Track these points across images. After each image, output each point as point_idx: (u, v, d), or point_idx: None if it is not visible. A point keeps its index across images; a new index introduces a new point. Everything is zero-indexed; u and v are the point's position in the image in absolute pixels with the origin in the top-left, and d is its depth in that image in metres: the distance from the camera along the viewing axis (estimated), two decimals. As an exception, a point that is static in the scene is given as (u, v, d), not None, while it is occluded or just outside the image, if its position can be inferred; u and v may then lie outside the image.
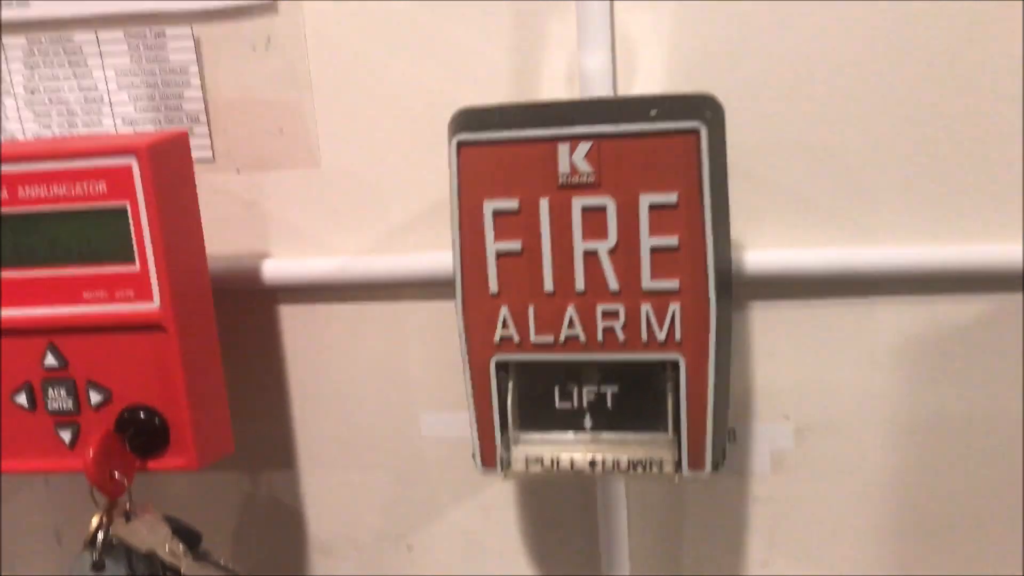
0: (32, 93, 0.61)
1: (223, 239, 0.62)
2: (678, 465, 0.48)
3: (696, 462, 0.48)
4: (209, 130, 0.60)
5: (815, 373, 0.58)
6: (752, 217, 0.56)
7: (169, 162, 0.51)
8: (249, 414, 0.64)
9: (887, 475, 0.59)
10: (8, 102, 0.62)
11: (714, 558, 0.62)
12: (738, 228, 0.55)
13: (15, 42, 0.61)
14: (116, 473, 0.50)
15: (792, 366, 0.58)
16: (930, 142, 0.53)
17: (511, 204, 0.46)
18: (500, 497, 0.64)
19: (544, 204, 0.45)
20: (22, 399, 0.53)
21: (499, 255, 0.46)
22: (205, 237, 0.54)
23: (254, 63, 0.59)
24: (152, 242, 0.50)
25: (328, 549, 0.67)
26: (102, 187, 0.50)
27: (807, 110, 0.54)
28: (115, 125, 0.61)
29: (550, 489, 0.63)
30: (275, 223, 0.62)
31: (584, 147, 0.44)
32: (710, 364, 0.46)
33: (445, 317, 0.61)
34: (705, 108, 0.44)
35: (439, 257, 0.58)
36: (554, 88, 0.56)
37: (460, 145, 0.45)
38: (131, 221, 0.50)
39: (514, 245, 0.46)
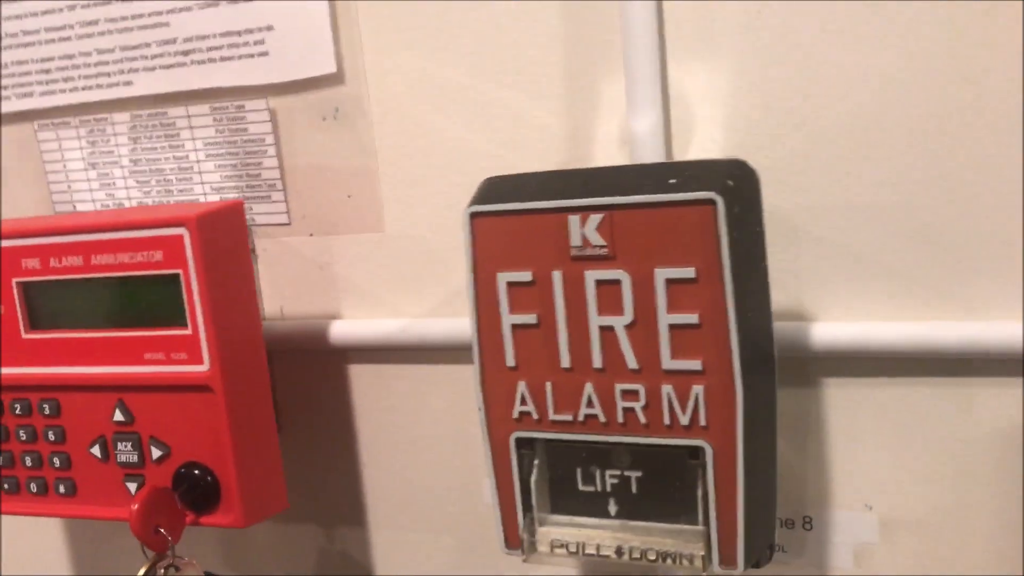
0: (135, 164, 0.66)
1: (298, 300, 0.64)
2: (708, 560, 0.44)
3: (728, 559, 0.44)
4: (285, 196, 0.63)
5: (901, 460, 0.52)
6: (824, 286, 0.51)
7: (220, 231, 0.53)
8: (322, 469, 0.65)
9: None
10: (117, 172, 0.67)
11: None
12: (808, 298, 0.51)
13: (121, 118, 0.66)
14: (162, 529, 0.52)
15: (876, 450, 0.52)
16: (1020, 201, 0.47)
17: (525, 276, 0.44)
18: (562, 571, 0.61)
19: (557, 277, 0.43)
20: (96, 450, 0.57)
21: (515, 328, 0.45)
22: (280, 298, 0.56)
23: (324, 132, 0.61)
24: (202, 307, 0.52)
25: (395, 615, 0.67)
26: (159, 256, 0.53)
27: (880, 170, 0.49)
28: (204, 192, 0.65)
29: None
30: (344, 285, 0.63)
31: (595, 219, 0.42)
32: (738, 452, 0.42)
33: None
34: (727, 176, 0.40)
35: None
36: (608, 152, 0.54)
37: (473, 216, 0.44)
38: (183, 287, 0.52)
39: (530, 318, 0.44)
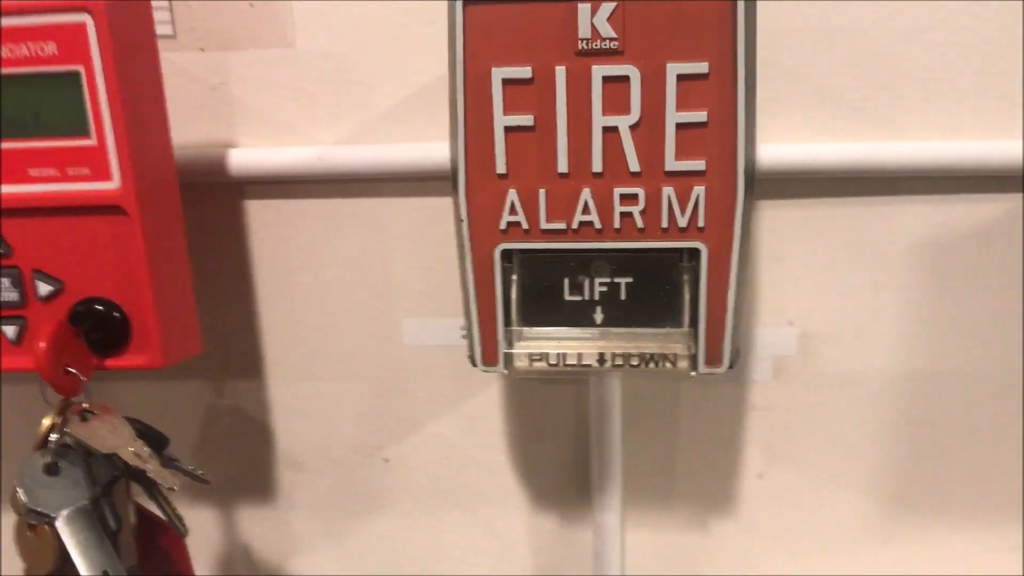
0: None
1: (184, 125, 0.56)
2: (694, 361, 0.45)
3: (714, 358, 0.45)
4: (170, 2, 0.54)
5: (824, 277, 0.55)
6: (764, 109, 0.53)
7: (129, 21, 0.45)
8: (212, 317, 0.59)
9: (891, 384, 0.57)
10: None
11: (709, 467, 0.60)
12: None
13: None
14: (71, 369, 0.45)
15: (801, 270, 0.55)
16: (952, 44, 0.50)
17: (523, 72, 0.41)
18: (485, 407, 0.60)
19: (560, 73, 0.41)
20: (-39, 291, 0.48)
21: (508, 131, 0.42)
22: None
23: (223, -71, 0.53)
24: (111, 112, 0.44)
25: (300, 464, 0.63)
26: (52, 48, 0.44)
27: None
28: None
29: (539, 398, 0.60)
30: (243, 109, 0.56)
31: (608, 8, 0.40)
32: (734, 253, 0.43)
33: (431, 215, 0.56)
34: (741, -30, 0.39)
35: (427, 148, 0.54)
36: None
37: (468, 3, 0.40)
38: (85, 87, 0.44)
39: (526, 119, 0.42)
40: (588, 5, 0.40)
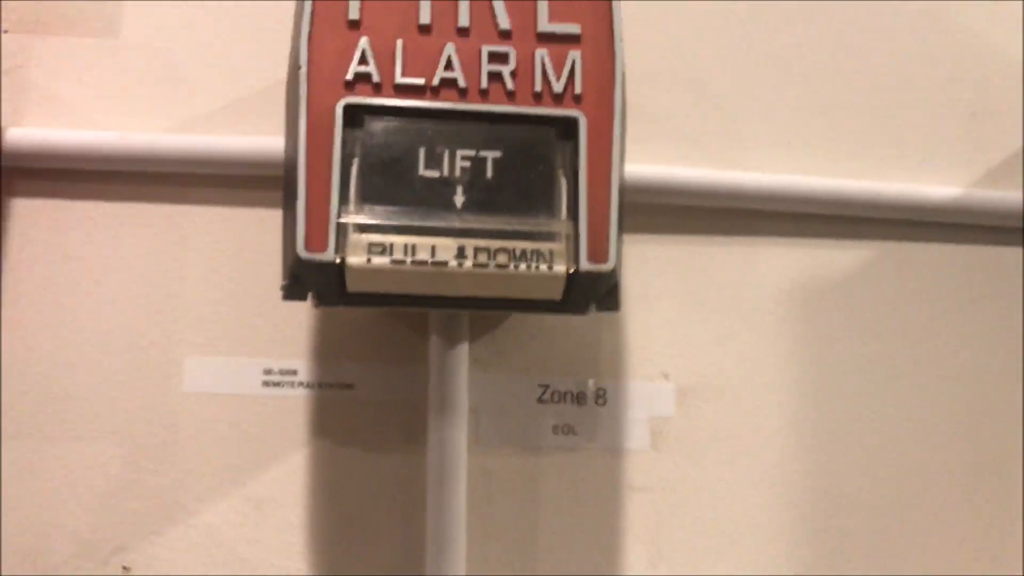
0: None
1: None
2: (574, 257, 0.36)
3: (598, 254, 0.36)
4: (-17, -15, 0.49)
5: (696, 323, 0.49)
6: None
7: None
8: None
9: (781, 444, 0.48)
10: None
11: (582, 566, 0.45)
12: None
13: None
14: None
15: (670, 313, 0.49)
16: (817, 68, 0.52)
17: (389, -80, 0.38)
18: (279, 486, 0.45)
19: (428, -81, 0.38)
20: None
21: (367, -21, 0.38)
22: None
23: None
24: None
25: (-11, 572, 0.43)
26: None
27: (677, 39, 0.52)
28: None
29: (357, 473, 0.45)
30: (40, 99, 0.48)
31: None
32: (615, 125, 0.37)
33: (238, 230, 0.48)
34: None
35: (246, 142, 0.47)
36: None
37: None
38: None
39: (386, -32, 0.38)
40: None
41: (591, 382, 0.47)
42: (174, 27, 0.50)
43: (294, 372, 0.46)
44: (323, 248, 0.35)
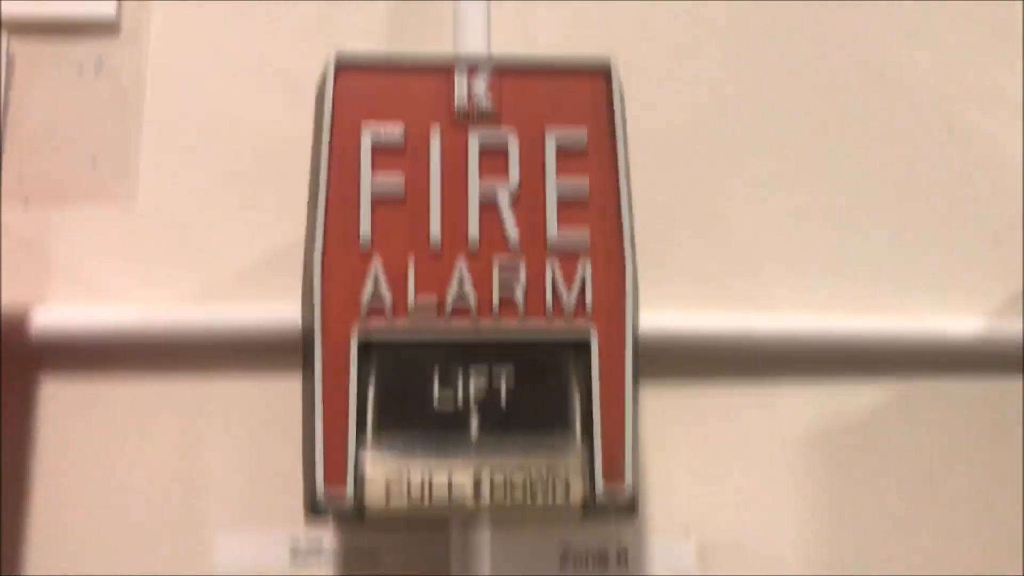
0: None
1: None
2: (591, 483, 0.36)
3: (614, 476, 0.37)
4: (-1, 154, 0.50)
5: (714, 473, 0.49)
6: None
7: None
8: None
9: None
10: None
11: None
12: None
13: None
14: None
15: (688, 463, 0.49)
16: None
17: (395, 133, 0.38)
18: None
19: (435, 137, 0.38)
20: None
21: (376, 197, 0.38)
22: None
23: (77, 87, 0.51)
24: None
25: None
26: None
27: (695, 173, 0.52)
28: None
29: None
30: (62, 270, 0.49)
31: (484, 75, 0.39)
32: (628, 335, 0.37)
33: (264, 400, 0.48)
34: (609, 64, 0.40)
35: (267, 311, 0.48)
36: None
37: (341, 69, 0.39)
38: None
39: (395, 184, 0.38)
40: (465, 72, 0.39)
41: (613, 541, 0.48)
42: (188, 194, 0.50)
43: (319, 540, 0.47)
44: (342, 486, 0.36)
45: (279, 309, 0.47)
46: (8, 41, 0.50)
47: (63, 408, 0.48)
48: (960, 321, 0.50)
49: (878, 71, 0.53)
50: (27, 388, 0.47)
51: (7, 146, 0.50)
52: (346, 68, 0.39)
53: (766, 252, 0.51)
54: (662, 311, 0.49)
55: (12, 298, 0.48)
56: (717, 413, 0.50)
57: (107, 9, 0.51)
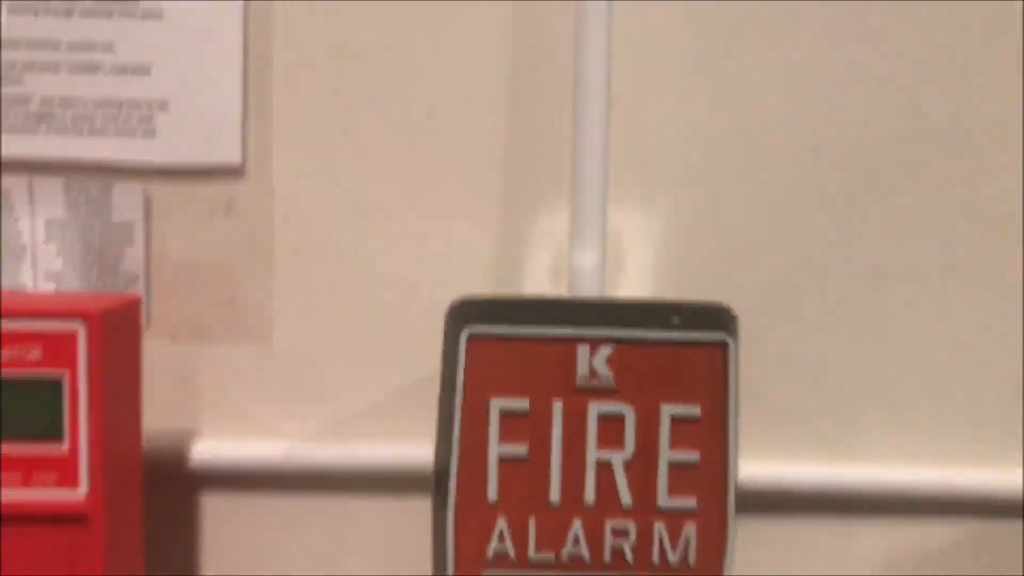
0: (-60, 235, 0.54)
1: (146, 415, 0.54)
2: None
3: None
4: (148, 294, 0.54)
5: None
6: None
7: (119, 331, 0.44)
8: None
9: None
10: (-92, 243, 0.54)
11: None
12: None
13: (-70, 176, 0.54)
14: None
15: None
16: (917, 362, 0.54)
17: (521, 404, 0.42)
18: None
19: (558, 407, 0.42)
20: None
21: (503, 459, 0.42)
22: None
23: (209, 228, 0.54)
24: (89, 420, 0.43)
25: None
26: (36, 354, 0.43)
27: (794, 325, 0.54)
28: (33, 279, 0.54)
29: None
30: (209, 403, 0.55)
31: (606, 350, 0.42)
32: (723, 587, 0.43)
33: (397, 518, 0.55)
34: (729, 320, 0.42)
35: (396, 449, 0.53)
36: (537, 283, 0.54)
37: (472, 339, 0.42)
38: (66, 394, 0.43)
39: (520, 449, 0.42)
40: (587, 346, 0.42)
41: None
42: (321, 332, 0.54)
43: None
44: None
45: (409, 447, 0.53)
46: (146, 185, 0.53)
47: (223, 520, 0.55)
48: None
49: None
50: (189, 505, 0.55)
51: (154, 288, 0.54)
52: (476, 339, 0.42)
53: (867, 400, 0.54)
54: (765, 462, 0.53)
55: (164, 425, 0.54)
56: (801, 543, 0.55)
57: (232, 155, 0.53)
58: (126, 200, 0.54)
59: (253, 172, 0.54)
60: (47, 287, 0.54)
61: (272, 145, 0.54)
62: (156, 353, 0.54)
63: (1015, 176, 0.53)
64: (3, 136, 0.53)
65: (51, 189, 0.54)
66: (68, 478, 0.43)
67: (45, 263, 0.54)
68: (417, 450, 0.52)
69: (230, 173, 0.54)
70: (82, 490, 0.43)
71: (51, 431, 0.43)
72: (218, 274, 0.54)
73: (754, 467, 0.53)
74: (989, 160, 0.53)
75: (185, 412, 0.55)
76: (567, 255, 0.52)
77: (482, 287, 0.54)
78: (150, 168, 0.53)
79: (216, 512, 0.55)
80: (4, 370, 0.42)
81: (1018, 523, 0.55)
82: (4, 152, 0.53)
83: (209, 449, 0.54)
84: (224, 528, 0.55)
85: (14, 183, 0.54)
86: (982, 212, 0.54)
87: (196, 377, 0.55)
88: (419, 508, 0.50)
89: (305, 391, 0.55)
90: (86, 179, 0.53)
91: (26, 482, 0.43)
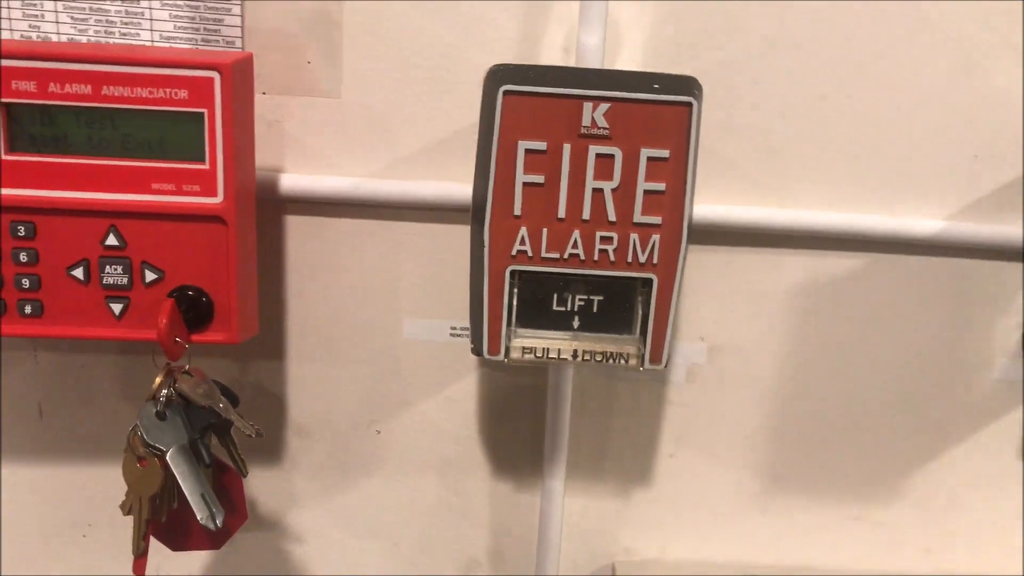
0: None
1: (243, 152, 0.70)
2: (641, 359, 0.62)
3: (656, 358, 0.62)
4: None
5: (727, 307, 0.74)
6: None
7: (241, 80, 0.59)
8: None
9: (778, 389, 0.76)
10: (48, 4, 0.67)
11: (633, 448, 0.78)
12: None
13: (65, -51, 0.66)
14: (178, 339, 0.59)
15: (710, 300, 0.74)
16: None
17: (540, 145, 0.58)
18: (462, 392, 0.76)
19: (567, 149, 0.58)
20: (78, 273, 0.60)
21: (525, 185, 0.59)
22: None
23: (294, 4, 0.67)
24: (224, 145, 0.58)
25: (305, 431, 0.77)
26: (183, 94, 0.58)
27: (745, 98, 0.69)
28: (151, 40, 0.68)
29: (505, 387, 0.76)
30: (292, 144, 0.70)
31: (604, 107, 0.57)
32: (676, 284, 0.60)
33: (438, 239, 0.72)
34: (694, 87, 0.58)
35: (442, 186, 0.69)
36: (551, 57, 0.69)
37: (506, 93, 0.57)
38: (207, 126, 0.58)
39: (538, 178, 0.58)
40: (591, 103, 0.57)
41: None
42: (379, 91, 0.69)
43: (466, 327, 0.74)
44: (498, 353, 0.62)
45: (449, 188, 0.69)
46: (239, -38, 0.66)
47: (303, 237, 0.73)
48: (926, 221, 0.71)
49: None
50: (277, 224, 0.72)
51: (248, 50, 0.68)
52: (509, 95, 0.57)
53: (798, 157, 0.70)
54: (714, 203, 0.70)
55: (259, 161, 0.70)
56: (736, 268, 0.73)
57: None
58: (223, -24, 0.67)
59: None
60: (161, 46, 0.68)
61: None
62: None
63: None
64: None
65: (162, -36, 0.66)
66: (209, 189, 0.60)
67: (159, 27, 0.68)
68: (454, 187, 0.69)
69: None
70: (219, 197, 0.60)
71: (196, 154, 0.59)
72: (299, 40, 0.68)
73: (706, 208, 0.70)
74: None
75: (274, 151, 0.71)
76: (576, 35, 0.66)
77: (508, 57, 0.68)
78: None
79: (298, 230, 0.72)
80: (159, 106, 0.58)
81: (905, 257, 0.73)
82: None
83: (293, 180, 0.70)
84: (304, 243, 0.72)
85: (131, -43, 0.66)
86: None
87: (283, 123, 0.70)
88: (456, 231, 0.68)
89: (368, 138, 0.70)
90: (191, -43, 0.66)
91: (178, 191, 0.59)
